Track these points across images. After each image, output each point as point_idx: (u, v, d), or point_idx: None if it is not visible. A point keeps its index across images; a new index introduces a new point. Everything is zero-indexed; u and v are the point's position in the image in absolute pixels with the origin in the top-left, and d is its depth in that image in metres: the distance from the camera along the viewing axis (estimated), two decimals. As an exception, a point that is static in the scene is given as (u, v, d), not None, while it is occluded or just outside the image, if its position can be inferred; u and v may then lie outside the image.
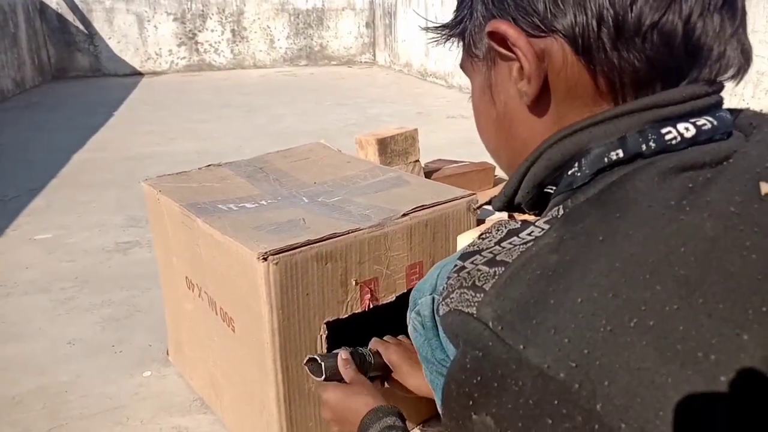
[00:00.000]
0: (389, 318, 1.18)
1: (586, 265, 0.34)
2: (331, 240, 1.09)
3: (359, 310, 1.18)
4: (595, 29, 0.38)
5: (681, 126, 0.38)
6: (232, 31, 11.78)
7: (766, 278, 0.31)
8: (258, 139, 4.89)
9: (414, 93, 7.45)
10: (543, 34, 0.40)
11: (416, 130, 3.03)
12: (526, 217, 0.46)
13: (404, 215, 1.19)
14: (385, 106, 6.54)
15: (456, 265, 0.41)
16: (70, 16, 10.61)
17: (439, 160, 3.38)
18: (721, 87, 0.41)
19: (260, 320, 1.08)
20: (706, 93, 0.39)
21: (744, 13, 0.41)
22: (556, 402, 0.32)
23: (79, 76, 10.61)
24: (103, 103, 6.99)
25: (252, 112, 6.41)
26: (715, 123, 0.39)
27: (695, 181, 0.35)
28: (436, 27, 0.50)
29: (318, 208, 1.25)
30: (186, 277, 1.38)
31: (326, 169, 1.52)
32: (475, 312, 0.37)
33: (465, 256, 0.41)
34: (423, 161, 3.13)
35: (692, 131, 0.38)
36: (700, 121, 0.39)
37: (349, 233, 1.11)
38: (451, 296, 0.39)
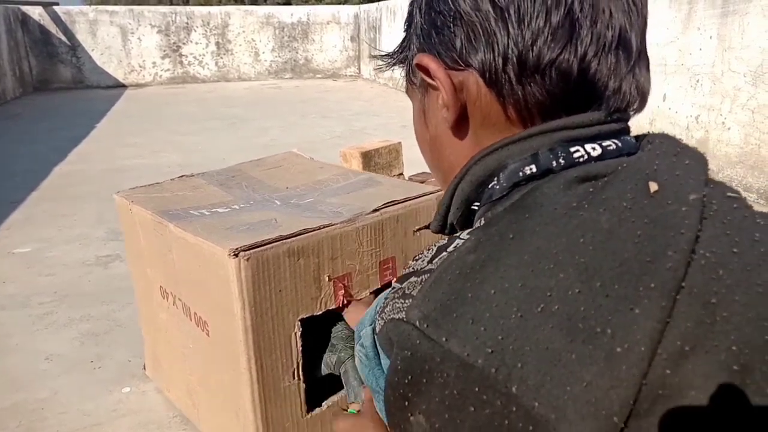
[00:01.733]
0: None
1: (498, 260, 0.38)
2: (302, 236, 1.08)
3: (333, 307, 1.17)
4: (501, 66, 0.42)
5: (588, 146, 0.42)
6: (217, 43, 11.78)
7: (654, 260, 0.35)
8: (242, 152, 4.87)
9: (398, 106, 7.48)
10: (461, 68, 0.45)
11: (400, 143, 3.04)
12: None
13: (375, 210, 1.19)
14: (369, 119, 6.56)
15: (393, 287, 0.44)
16: (52, 28, 10.54)
17: (423, 173, 3.39)
18: (627, 117, 0.45)
19: (233, 319, 1.06)
20: (610, 120, 0.43)
21: (641, 53, 0.44)
22: (476, 389, 0.34)
23: (62, 87, 10.53)
24: (85, 115, 6.93)
25: (237, 124, 6.39)
26: (620, 144, 0.43)
27: (595, 186, 0.40)
28: (383, 55, 0.55)
29: (290, 209, 1.24)
30: (160, 287, 1.37)
31: (299, 176, 1.52)
32: (404, 316, 0.39)
33: (401, 278, 0.44)
34: (407, 174, 3.14)
35: (598, 150, 0.42)
36: (606, 143, 0.43)
37: (320, 228, 1.10)
38: (385, 310, 0.43)
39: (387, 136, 4.10)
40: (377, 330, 0.44)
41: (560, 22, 0.41)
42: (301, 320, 1.14)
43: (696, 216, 0.37)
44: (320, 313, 1.16)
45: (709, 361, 0.33)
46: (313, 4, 19.86)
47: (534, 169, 0.42)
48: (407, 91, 0.55)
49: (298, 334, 1.14)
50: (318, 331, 1.16)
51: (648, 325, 0.33)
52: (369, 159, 3.27)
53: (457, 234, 0.44)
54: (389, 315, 0.41)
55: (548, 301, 0.35)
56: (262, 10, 12.39)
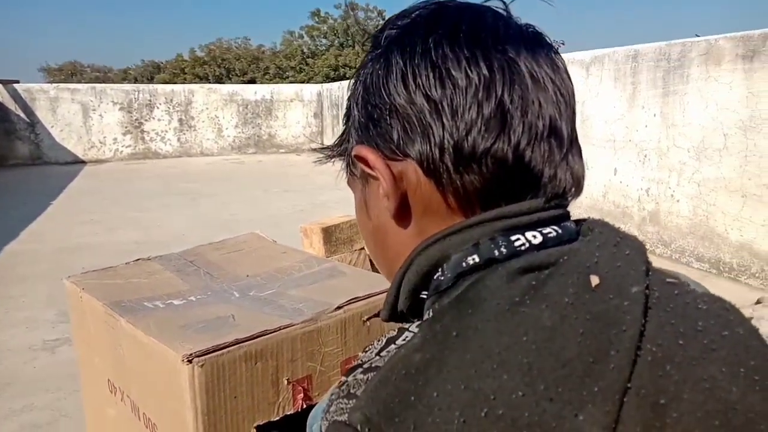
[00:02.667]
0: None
1: (442, 360, 0.37)
2: (261, 338, 1.05)
3: (291, 411, 1.12)
4: (438, 155, 0.43)
5: (529, 234, 0.42)
6: (180, 120, 11.87)
7: (598, 361, 0.34)
8: (202, 228, 4.81)
9: (361, 180, 7.57)
10: (399, 158, 0.45)
11: (361, 218, 3.06)
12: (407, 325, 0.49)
13: (338, 308, 1.16)
14: (332, 193, 6.61)
15: (340, 381, 0.43)
16: (11, 105, 10.48)
17: (385, 247, 3.39)
18: (566, 203, 0.46)
19: (185, 427, 1.00)
20: (549, 207, 0.44)
21: (573, 141, 0.46)
22: None
23: (18, 164, 10.36)
24: (41, 192, 6.79)
25: (197, 199, 6.35)
26: (560, 231, 0.43)
27: (538, 279, 0.39)
28: (323, 148, 0.56)
29: (249, 302, 1.20)
30: (108, 380, 1.29)
31: (260, 261, 1.49)
32: (346, 419, 0.38)
33: (349, 371, 0.44)
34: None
35: (539, 238, 0.42)
36: (546, 230, 0.43)
37: (280, 329, 1.07)
38: (330, 410, 0.41)
39: (349, 208, 4.13)
40: (323, 430, 0.42)
41: (492, 112, 0.42)
42: (257, 427, 1.09)
43: (639, 310, 0.37)
44: (277, 418, 1.11)
45: None
46: (276, 82, 20.38)
47: (477, 259, 0.42)
48: (348, 183, 0.55)
49: None
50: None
51: (594, 431, 0.32)
52: (330, 234, 3.27)
53: (407, 326, 0.44)
54: (332, 416, 0.41)
55: (492, 405, 0.34)
56: (226, 88, 12.64)
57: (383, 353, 0.42)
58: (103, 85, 11.35)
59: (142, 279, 1.37)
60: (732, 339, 0.38)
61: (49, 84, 12.40)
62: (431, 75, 0.43)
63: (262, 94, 12.38)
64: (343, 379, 0.43)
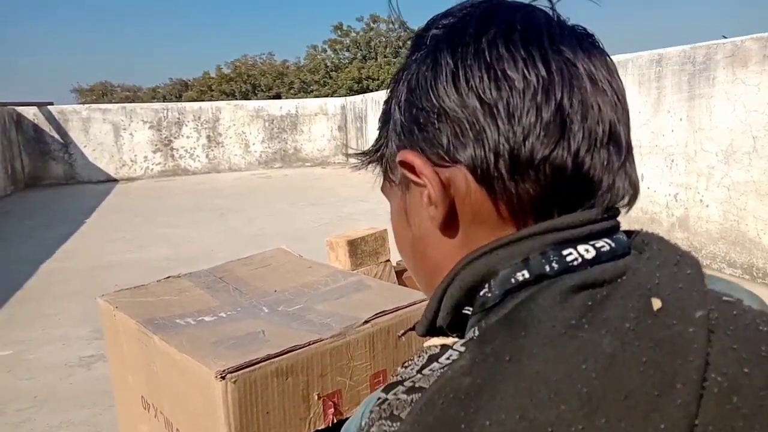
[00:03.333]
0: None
1: (494, 386, 0.35)
2: (292, 353, 1.06)
3: (322, 426, 1.14)
4: (492, 161, 0.41)
5: (581, 248, 0.40)
6: (208, 137, 12.09)
7: (663, 394, 0.32)
8: (231, 243, 4.88)
9: (386, 192, 7.58)
10: (448, 164, 0.43)
11: (386, 230, 3.07)
12: (448, 340, 0.46)
13: (366, 322, 1.17)
14: (357, 205, 6.65)
15: (379, 398, 0.41)
16: (46, 126, 10.80)
17: (410, 259, 3.39)
18: (617, 213, 0.43)
19: None
20: (602, 218, 0.42)
21: (630, 148, 0.44)
22: None
23: (53, 183, 10.66)
24: (75, 211, 6.97)
25: (226, 215, 6.45)
26: (613, 245, 0.41)
27: (594, 299, 0.37)
28: (357, 153, 0.53)
29: (278, 318, 1.22)
30: (142, 397, 1.33)
31: (287, 276, 1.51)
32: None
33: (388, 387, 0.41)
34: (394, 260, 3.15)
35: (592, 252, 0.40)
36: (599, 243, 0.41)
37: (310, 344, 1.08)
38: (371, 430, 0.40)
39: (374, 220, 4.14)
40: None
41: (551, 117, 0.40)
42: None
43: (704, 337, 0.35)
44: None
45: None
46: (301, 96, 20.61)
47: (527, 275, 0.40)
48: (383, 189, 0.53)
49: None
50: None
51: None
52: (355, 247, 3.29)
53: (451, 344, 0.42)
54: None
55: None
56: (252, 104, 12.83)
57: (425, 371, 0.40)
58: (133, 104, 11.63)
59: (173, 296, 1.41)
60: None
61: (81, 105, 12.75)
62: (485, 76, 0.41)
63: (288, 109, 12.53)
64: (383, 396, 0.41)
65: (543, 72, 0.40)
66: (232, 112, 12.18)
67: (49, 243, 5.16)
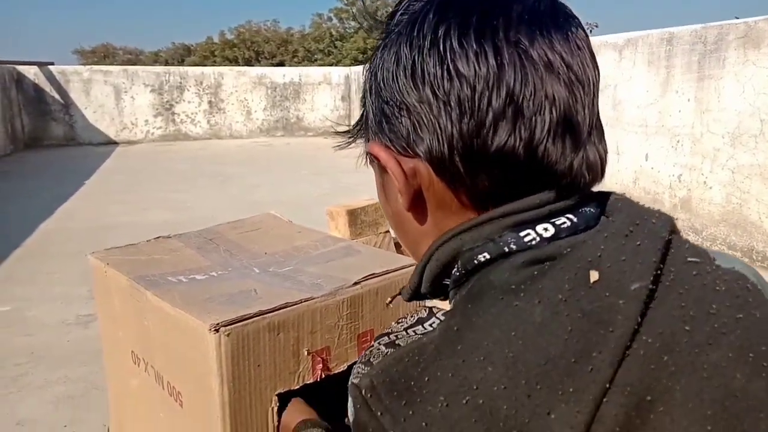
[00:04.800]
0: (340, 387, 1.15)
1: (441, 351, 0.39)
2: (283, 310, 1.08)
3: (311, 381, 1.16)
4: (447, 155, 0.43)
5: (540, 227, 0.42)
6: (209, 102, 11.99)
7: (579, 361, 0.35)
8: (231, 210, 4.88)
9: (387, 164, 7.57)
10: (411, 155, 0.45)
11: (387, 201, 3.06)
12: (439, 303, 0.52)
13: (355, 284, 1.20)
14: (358, 176, 6.62)
15: (370, 345, 0.46)
16: (47, 87, 10.71)
17: (411, 230, 3.40)
18: (578, 190, 0.44)
19: (210, 394, 1.04)
20: (561, 197, 0.43)
21: (593, 125, 0.44)
22: None
23: (53, 144, 10.61)
24: (75, 172, 6.95)
25: (227, 182, 6.43)
26: (575, 220, 0.43)
27: (537, 272, 0.40)
28: (342, 132, 0.57)
29: (269, 278, 1.24)
30: (132, 352, 1.34)
31: (277, 240, 1.52)
32: (358, 381, 0.42)
33: (378, 336, 0.47)
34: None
35: (551, 231, 0.42)
36: (560, 221, 0.42)
37: (301, 302, 1.10)
38: (353, 372, 0.45)
39: (374, 192, 4.12)
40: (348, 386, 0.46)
41: (502, 109, 0.41)
42: (279, 395, 1.12)
43: (635, 308, 0.36)
44: (297, 387, 1.15)
45: None
46: (305, 65, 20.40)
47: (488, 256, 0.42)
48: (368, 163, 0.55)
49: (275, 409, 1.12)
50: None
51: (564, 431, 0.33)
52: (355, 217, 3.29)
53: (437, 311, 0.46)
54: (351, 378, 0.44)
55: (474, 394, 0.35)
56: (254, 70, 12.70)
57: (410, 331, 0.44)
58: (134, 67, 11.52)
59: (164, 255, 1.41)
60: (746, 322, 0.37)
61: (83, 66, 12.63)
62: (439, 70, 0.42)
63: (291, 77, 12.41)
64: (374, 343, 0.47)
65: (494, 64, 0.41)
66: (234, 79, 12.06)
67: (49, 203, 5.16)
